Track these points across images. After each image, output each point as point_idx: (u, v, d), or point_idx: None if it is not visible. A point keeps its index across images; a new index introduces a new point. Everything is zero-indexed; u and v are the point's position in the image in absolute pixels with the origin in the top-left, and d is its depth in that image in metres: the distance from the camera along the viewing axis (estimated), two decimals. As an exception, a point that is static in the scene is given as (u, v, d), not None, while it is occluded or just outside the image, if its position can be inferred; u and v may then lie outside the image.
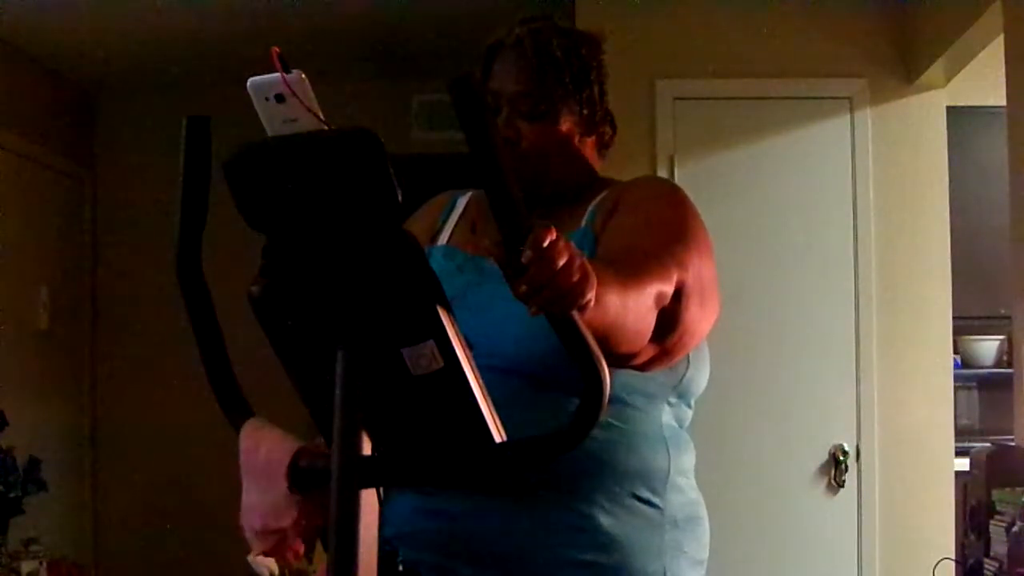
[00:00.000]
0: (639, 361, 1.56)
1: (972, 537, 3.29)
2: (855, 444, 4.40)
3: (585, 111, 1.77)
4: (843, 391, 4.41)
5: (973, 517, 3.30)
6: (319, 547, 1.44)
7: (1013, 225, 3.67)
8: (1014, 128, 3.64)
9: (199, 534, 5.32)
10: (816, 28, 4.56)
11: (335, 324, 1.31)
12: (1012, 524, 3.03)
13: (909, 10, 4.49)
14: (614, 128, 1.83)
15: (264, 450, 1.46)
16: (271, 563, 4.04)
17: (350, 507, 1.30)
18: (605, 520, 1.63)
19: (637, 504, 1.66)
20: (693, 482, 1.77)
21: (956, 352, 4.78)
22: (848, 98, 4.51)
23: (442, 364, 1.26)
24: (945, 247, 4.46)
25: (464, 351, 1.27)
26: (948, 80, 4.47)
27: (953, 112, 4.56)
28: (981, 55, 4.18)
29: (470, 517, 1.63)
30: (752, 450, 4.39)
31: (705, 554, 1.76)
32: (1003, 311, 4.11)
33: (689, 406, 1.79)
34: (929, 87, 4.50)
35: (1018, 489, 3.11)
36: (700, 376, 1.77)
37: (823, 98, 4.53)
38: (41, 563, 4.43)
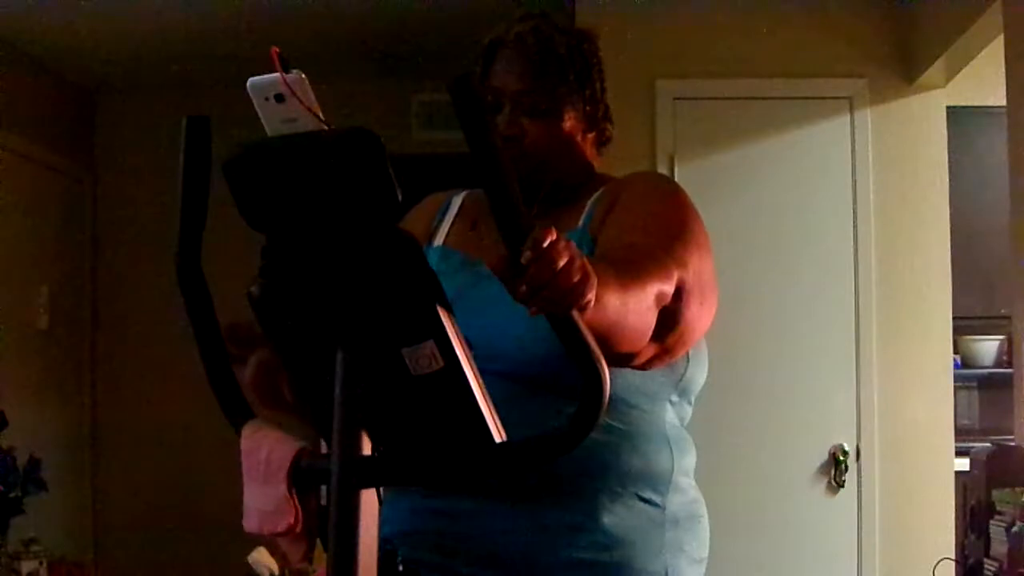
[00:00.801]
0: (640, 360, 1.56)
1: (972, 537, 3.29)
2: (855, 444, 4.40)
3: (588, 108, 1.77)
4: (843, 391, 4.41)
5: (973, 517, 3.30)
6: (319, 547, 1.44)
7: (1013, 225, 3.67)
8: (1014, 128, 3.64)
9: (199, 534, 5.33)
10: (816, 28, 4.56)
11: (335, 324, 1.31)
12: (1012, 524, 3.03)
13: (909, 10, 4.49)
14: (612, 125, 1.83)
15: (264, 451, 1.46)
16: (271, 563, 4.05)
17: (350, 507, 1.30)
18: (607, 520, 1.63)
19: (639, 504, 1.66)
20: (693, 481, 1.77)
21: (956, 352, 4.77)
22: (848, 98, 4.51)
23: (442, 364, 1.26)
24: (945, 247, 4.46)
25: (464, 351, 1.27)
26: (948, 80, 4.47)
27: (953, 112, 4.55)
28: (981, 55, 4.18)
29: (471, 517, 1.63)
30: (752, 450, 4.38)
31: (705, 552, 1.76)
32: (1003, 311, 4.11)
33: (690, 404, 1.80)
34: (929, 87, 4.50)
35: (1018, 489, 3.11)
36: (700, 373, 1.78)
37: (823, 98, 4.53)
38: (41, 563, 4.43)
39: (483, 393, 1.29)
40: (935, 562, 3.68)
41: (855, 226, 4.45)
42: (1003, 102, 3.75)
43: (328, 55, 5.27)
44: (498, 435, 1.30)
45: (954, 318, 4.47)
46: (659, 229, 1.61)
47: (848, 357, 4.42)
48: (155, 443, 5.76)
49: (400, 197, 1.23)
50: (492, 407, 1.30)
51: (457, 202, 1.88)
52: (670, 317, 1.53)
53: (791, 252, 4.47)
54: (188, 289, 1.44)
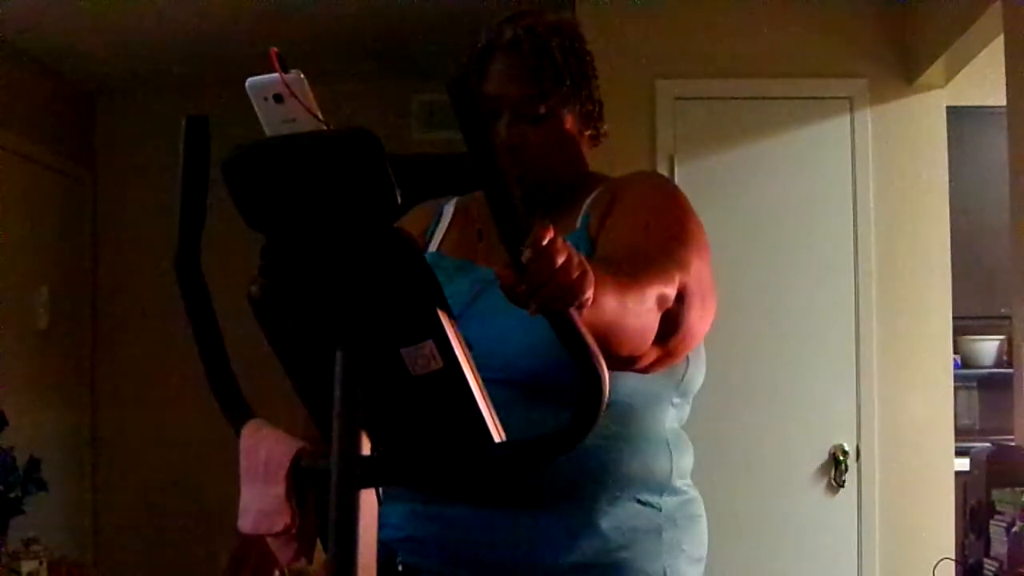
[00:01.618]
0: (643, 364, 1.56)
1: (972, 537, 3.29)
2: (855, 444, 4.40)
3: (586, 107, 1.76)
4: (843, 391, 4.41)
5: (973, 517, 3.30)
6: (319, 547, 1.44)
7: (1013, 225, 3.67)
8: (1014, 128, 3.64)
9: (199, 534, 5.32)
10: (816, 28, 4.56)
11: (334, 324, 1.31)
12: (1012, 524, 3.03)
13: (909, 10, 4.49)
14: (603, 122, 1.81)
15: (264, 451, 1.46)
16: (271, 563, 4.03)
17: (350, 507, 1.29)
18: (605, 523, 1.63)
19: (638, 507, 1.66)
20: (690, 481, 1.77)
21: (956, 352, 4.78)
22: (848, 98, 4.51)
23: (441, 364, 1.26)
24: (945, 247, 4.46)
25: (463, 351, 1.27)
26: (948, 80, 4.47)
27: (953, 112, 4.56)
28: (981, 55, 4.18)
29: (470, 523, 1.63)
30: (752, 450, 4.39)
31: (704, 551, 1.76)
32: (1003, 311, 4.11)
33: (689, 404, 1.79)
34: (929, 87, 4.50)
35: (1018, 489, 3.11)
36: (699, 374, 1.78)
37: (823, 98, 4.53)
38: (41, 563, 4.42)
39: (482, 393, 1.29)
40: (935, 562, 3.68)
41: (855, 226, 4.45)
42: (1003, 102, 3.75)
43: (328, 55, 5.27)
44: (497, 435, 1.30)
45: (954, 318, 4.47)
46: (659, 231, 1.60)
47: (848, 357, 4.41)
48: (155, 443, 5.77)
49: (400, 197, 1.23)
50: (491, 407, 1.30)
51: (450, 209, 1.87)
52: (673, 320, 1.53)
53: (791, 252, 4.47)
54: (188, 289, 1.44)
